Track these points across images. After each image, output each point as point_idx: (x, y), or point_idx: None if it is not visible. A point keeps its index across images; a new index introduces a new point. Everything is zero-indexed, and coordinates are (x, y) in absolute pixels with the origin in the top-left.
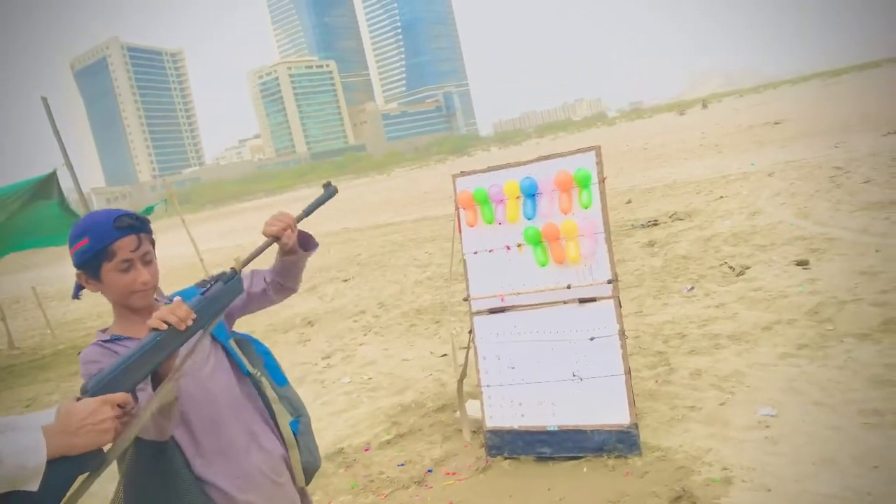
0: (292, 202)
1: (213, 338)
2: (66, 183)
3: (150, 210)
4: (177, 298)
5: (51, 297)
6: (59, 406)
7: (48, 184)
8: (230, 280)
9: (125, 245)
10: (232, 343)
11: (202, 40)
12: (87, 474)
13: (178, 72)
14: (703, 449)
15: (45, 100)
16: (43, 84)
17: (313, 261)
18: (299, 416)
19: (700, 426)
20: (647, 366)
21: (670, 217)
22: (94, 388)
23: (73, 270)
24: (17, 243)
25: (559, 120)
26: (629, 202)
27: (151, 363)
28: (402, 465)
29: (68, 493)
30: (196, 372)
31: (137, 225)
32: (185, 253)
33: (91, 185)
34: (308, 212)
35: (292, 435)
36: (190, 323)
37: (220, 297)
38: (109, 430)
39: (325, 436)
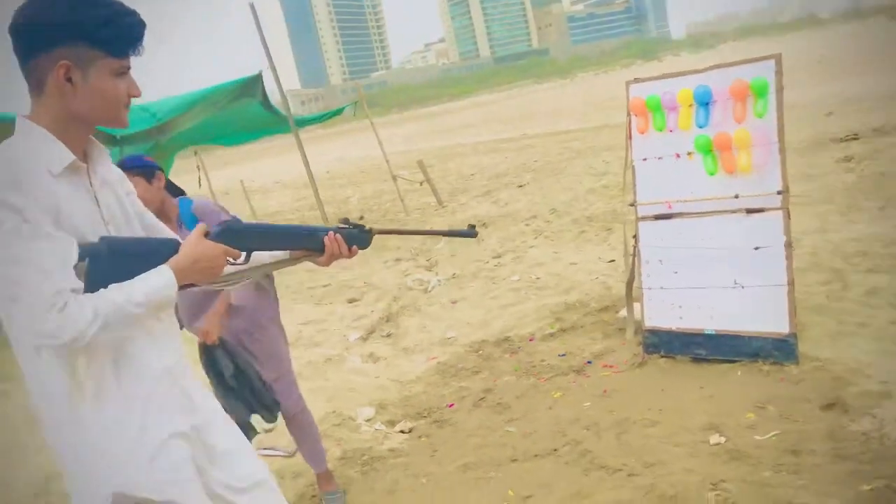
0: (474, 107)
1: None
2: (269, 84)
3: (340, 111)
4: (338, 238)
5: (254, 190)
6: (189, 236)
7: (253, 84)
8: (364, 232)
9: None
10: None
11: None
12: None
13: None
14: (864, 363)
15: (252, 6)
16: None
17: (490, 167)
18: None
19: (866, 341)
20: (820, 282)
21: (874, 131)
22: (225, 235)
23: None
24: (224, 136)
25: (762, 22)
26: (830, 114)
27: (288, 243)
28: (562, 355)
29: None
30: None
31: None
32: (372, 155)
33: (287, 87)
34: (438, 233)
35: None
36: (335, 249)
37: (350, 239)
38: (217, 276)
39: (494, 325)
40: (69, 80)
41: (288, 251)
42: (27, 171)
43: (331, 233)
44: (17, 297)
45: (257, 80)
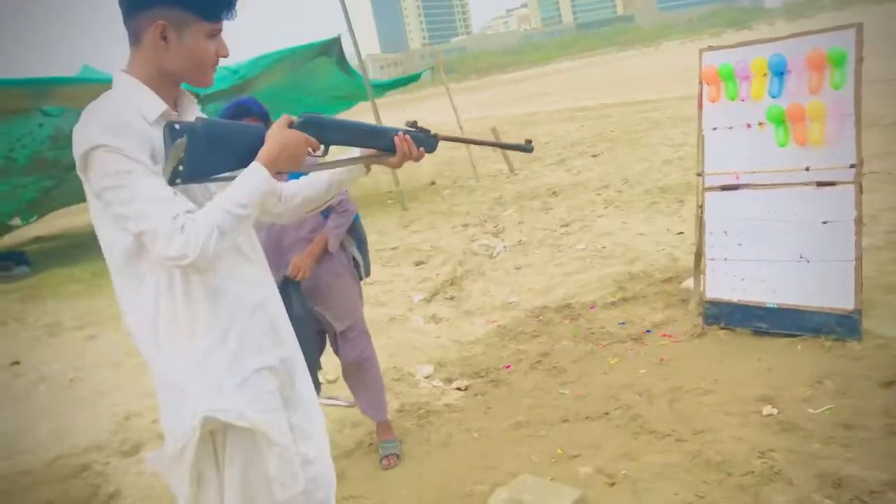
0: (555, 74)
1: None
2: (348, 49)
3: (417, 77)
4: (407, 137)
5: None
6: (278, 120)
7: (331, 46)
8: (430, 137)
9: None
10: None
11: None
12: None
13: None
14: None
15: None
16: None
17: (564, 135)
18: None
19: None
20: (894, 260)
21: None
22: (306, 125)
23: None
24: (301, 104)
25: None
26: None
27: (361, 140)
28: (622, 323)
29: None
30: None
31: None
32: (447, 121)
33: (367, 52)
34: (494, 144)
35: None
36: (407, 151)
37: (417, 141)
38: (301, 164)
39: (556, 292)
40: (164, 38)
41: (361, 157)
42: (126, 118)
43: (400, 133)
44: (141, 228)
45: (335, 42)
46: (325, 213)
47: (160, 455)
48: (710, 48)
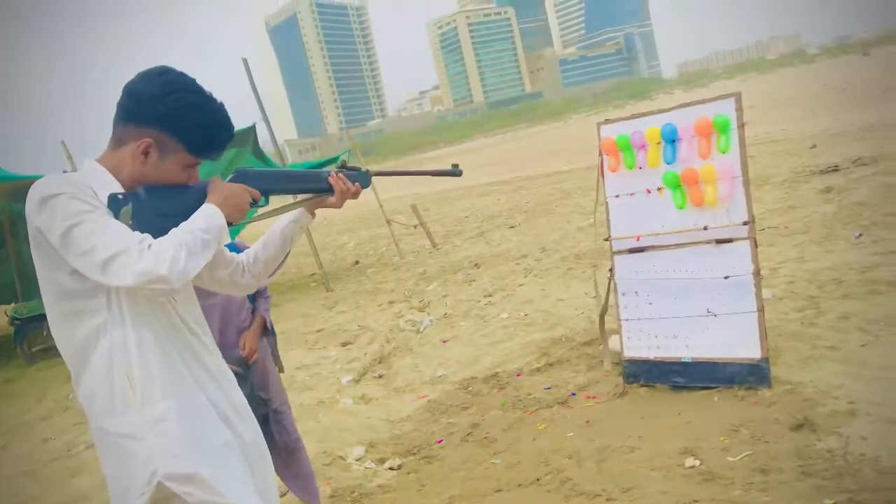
0: (469, 152)
1: None
2: (263, 136)
3: (335, 160)
4: (340, 175)
5: (253, 237)
6: (211, 179)
7: (246, 135)
8: (363, 173)
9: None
10: None
11: None
12: None
13: (361, 25)
14: (833, 385)
15: (245, 61)
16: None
17: (483, 209)
18: None
19: (836, 364)
20: (795, 308)
21: (853, 162)
22: (241, 177)
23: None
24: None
25: (751, 59)
26: (814, 147)
27: (297, 185)
28: (548, 388)
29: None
30: None
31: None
32: (368, 201)
33: (284, 137)
34: (426, 173)
35: None
36: (343, 188)
37: (351, 178)
38: (244, 213)
39: (483, 362)
40: (145, 154)
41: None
42: (83, 185)
43: (333, 173)
44: (110, 253)
45: (250, 131)
46: (251, 298)
47: None
48: (607, 121)
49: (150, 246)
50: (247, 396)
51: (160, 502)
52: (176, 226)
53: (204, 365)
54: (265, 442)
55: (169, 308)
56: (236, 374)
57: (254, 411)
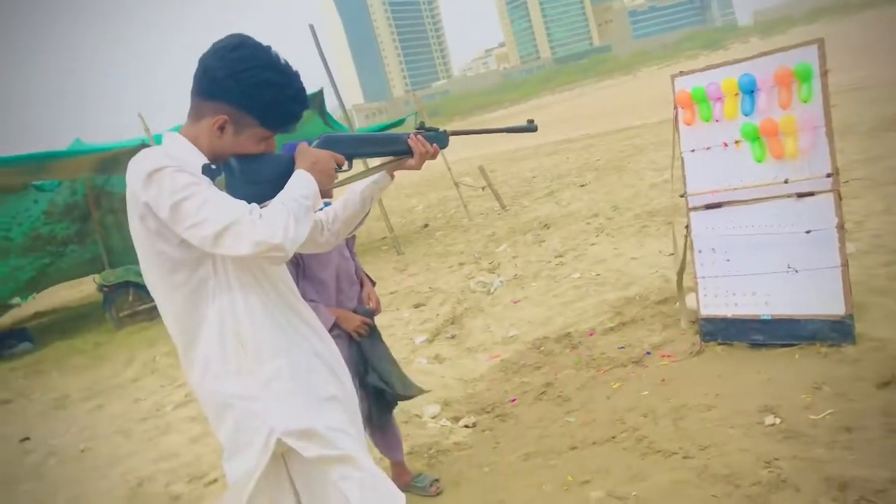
0: (536, 110)
1: None
2: (331, 102)
3: (402, 121)
4: (419, 137)
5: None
6: (299, 144)
7: (314, 99)
8: (441, 134)
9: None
10: None
11: None
12: None
13: None
14: None
15: (312, 27)
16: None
17: (551, 168)
18: None
19: None
20: (882, 263)
21: None
22: (327, 143)
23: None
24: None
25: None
26: None
27: (377, 149)
28: (622, 347)
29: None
30: None
31: None
32: (435, 163)
33: (351, 103)
34: (502, 130)
35: None
36: (422, 150)
37: (429, 139)
38: (333, 177)
39: (555, 322)
40: (221, 129)
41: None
42: (182, 158)
43: (412, 135)
44: (223, 224)
45: (316, 96)
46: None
47: (227, 489)
48: (682, 73)
49: (261, 215)
50: (382, 347)
51: (277, 456)
52: (268, 193)
53: (307, 321)
54: (356, 403)
55: (269, 270)
56: (369, 325)
57: (384, 366)
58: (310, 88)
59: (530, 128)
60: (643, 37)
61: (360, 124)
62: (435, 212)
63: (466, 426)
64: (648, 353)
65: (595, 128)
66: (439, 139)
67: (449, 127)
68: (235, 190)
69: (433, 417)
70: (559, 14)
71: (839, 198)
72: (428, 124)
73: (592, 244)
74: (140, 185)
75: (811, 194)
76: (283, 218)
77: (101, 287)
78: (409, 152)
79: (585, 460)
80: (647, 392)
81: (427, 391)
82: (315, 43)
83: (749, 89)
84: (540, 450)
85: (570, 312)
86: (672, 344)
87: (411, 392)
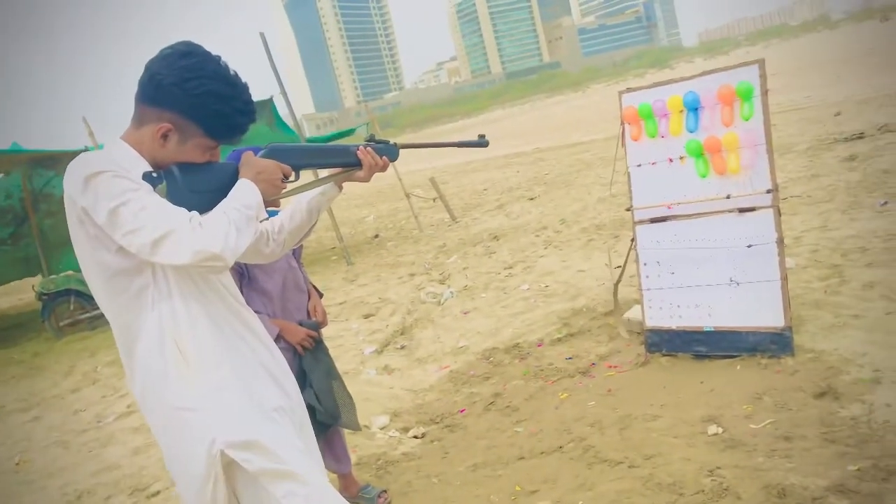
0: (487, 124)
1: None
2: (282, 110)
3: (352, 132)
4: (369, 149)
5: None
6: (244, 154)
7: (262, 108)
8: (390, 147)
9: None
10: None
11: None
12: None
13: None
14: (857, 353)
15: (262, 35)
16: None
17: (502, 181)
18: None
19: (860, 332)
20: (819, 277)
21: (879, 129)
22: (273, 153)
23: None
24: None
25: (774, 25)
26: (838, 114)
27: (326, 160)
28: (569, 358)
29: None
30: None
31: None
32: (387, 174)
33: (302, 112)
34: (452, 144)
35: None
36: (372, 162)
37: (379, 152)
38: (279, 188)
39: (504, 333)
40: (164, 137)
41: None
42: (121, 163)
43: (361, 147)
44: (161, 232)
45: (265, 104)
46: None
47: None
48: (629, 90)
49: (201, 223)
50: (325, 362)
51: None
52: (210, 203)
53: (253, 331)
54: (306, 414)
55: (212, 279)
56: (314, 339)
57: (323, 384)
58: (260, 96)
59: (481, 143)
60: (592, 54)
61: (310, 133)
62: (386, 222)
63: (415, 437)
64: (595, 363)
65: (545, 142)
66: (389, 152)
67: (400, 139)
68: (177, 199)
69: (382, 428)
70: (510, 30)
71: (779, 213)
72: (379, 136)
73: (541, 256)
74: (78, 190)
75: (752, 209)
76: (223, 226)
77: (39, 295)
78: (358, 164)
79: (533, 470)
80: (593, 402)
81: (359, 429)
82: (266, 51)
83: (693, 107)
84: (488, 460)
85: (518, 323)
86: (618, 355)
87: (340, 422)
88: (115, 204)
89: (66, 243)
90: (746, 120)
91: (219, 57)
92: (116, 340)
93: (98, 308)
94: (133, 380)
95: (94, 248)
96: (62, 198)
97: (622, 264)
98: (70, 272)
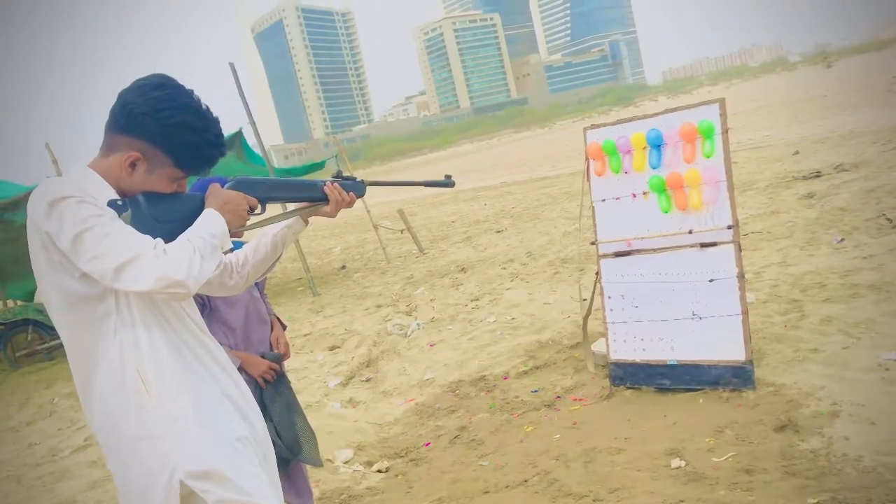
0: (455, 157)
1: None
2: (250, 140)
3: (322, 164)
4: (335, 185)
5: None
6: (210, 185)
7: (231, 141)
8: (357, 183)
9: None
10: None
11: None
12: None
13: (348, 31)
14: (816, 386)
15: (232, 65)
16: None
17: (469, 214)
18: None
19: (818, 366)
20: (778, 312)
21: (835, 168)
22: (240, 185)
23: None
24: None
25: (734, 66)
26: (796, 153)
27: (292, 193)
28: (535, 391)
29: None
30: None
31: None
32: (355, 206)
33: (270, 143)
34: (418, 184)
35: None
36: (339, 197)
37: (346, 188)
38: (244, 219)
39: (470, 365)
40: (132, 166)
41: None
42: (95, 193)
43: (328, 182)
44: (124, 259)
45: (236, 136)
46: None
47: None
48: (593, 126)
49: (165, 251)
50: (286, 395)
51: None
52: (174, 232)
53: (217, 360)
54: (270, 444)
55: (176, 307)
56: (276, 371)
57: (284, 418)
58: (229, 127)
59: (447, 183)
60: (559, 91)
61: (278, 164)
62: (353, 253)
63: (379, 471)
64: (560, 396)
65: (512, 176)
66: (357, 188)
67: (369, 171)
68: (141, 227)
69: (346, 462)
70: (478, 66)
71: (740, 249)
72: (348, 167)
73: (508, 289)
74: (42, 215)
75: (714, 244)
76: (187, 254)
77: None
78: (324, 199)
79: None
80: (558, 435)
81: (320, 465)
82: (235, 81)
83: (656, 143)
84: (453, 494)
85: (485, 356)
86: (583, 388)
87: (301, 457)
88: (80, 230)
89: (26, 271)
90: (708, 157)
91: (191, 91)
92: (73, 370)
93: (57, 338)
94: (91, 409)
95: (55, 274)
96: (23, 225)
97: (589, 297)
98: (29, 302)
